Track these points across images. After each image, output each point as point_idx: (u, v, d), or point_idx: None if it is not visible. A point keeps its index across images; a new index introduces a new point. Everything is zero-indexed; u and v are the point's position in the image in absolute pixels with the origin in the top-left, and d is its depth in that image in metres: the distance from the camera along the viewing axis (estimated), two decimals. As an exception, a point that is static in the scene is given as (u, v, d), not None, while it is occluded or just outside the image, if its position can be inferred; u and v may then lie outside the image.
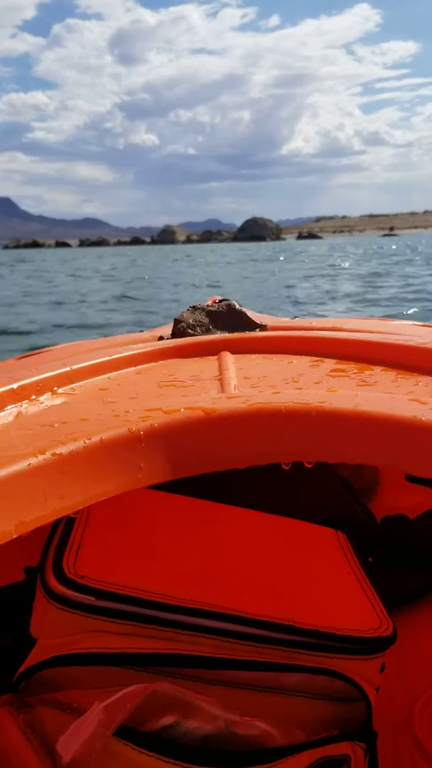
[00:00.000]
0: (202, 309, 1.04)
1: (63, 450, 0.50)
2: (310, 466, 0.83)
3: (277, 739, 0.63)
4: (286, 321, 1.26)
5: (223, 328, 1.02)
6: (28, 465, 0.48)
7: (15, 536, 0.45)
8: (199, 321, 1.01)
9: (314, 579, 0.76)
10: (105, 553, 0.68)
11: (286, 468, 0.79)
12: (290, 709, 0.66)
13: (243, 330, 1.02)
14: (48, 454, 0.50)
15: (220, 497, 0.84)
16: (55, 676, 0.62)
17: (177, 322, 1.02)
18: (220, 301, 1.14)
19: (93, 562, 0.66)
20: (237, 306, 1.07)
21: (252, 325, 1.03)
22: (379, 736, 0.72)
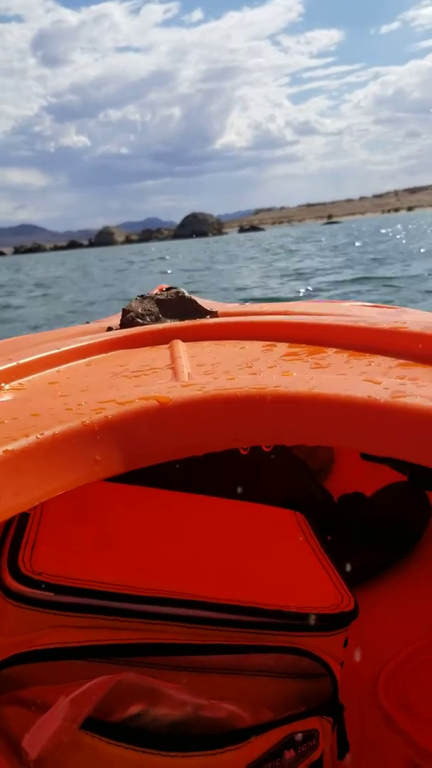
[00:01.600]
0: (151, 298, 1.03)
1: (15, 446, 0.50)
2: (268, 450, 0.84)
3: (246, 720, 0.63)
4: (236, 306, 1.26)
5: (172, 317, 1.02)
6: None
7: None
8: (148, 310, 1.00)
9: (275, 560, 0.76)
10: (62, 547, 0.68)
11: (244, 453, 0.79)
12: (258, 689, 0.66)
13: (193, 317, 1.02)
14: (0, 451, 0.49)
15: (177, 485, 0.84)
16: (18, 674, 0.61)
17: (125, 312, 1.02)
18: (168, 288, 1.13)
19: (50, 558, 0.65)
20: (186, 294, 1.07)
21: (202, 312, 1.03)
22: (346, 709, 0.74)
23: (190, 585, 0.66)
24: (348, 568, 0.79)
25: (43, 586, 0.61)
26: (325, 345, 0.81)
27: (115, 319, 1.08)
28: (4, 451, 0.49)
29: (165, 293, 1.08)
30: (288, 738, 0.65)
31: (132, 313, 1.01)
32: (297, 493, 1.05)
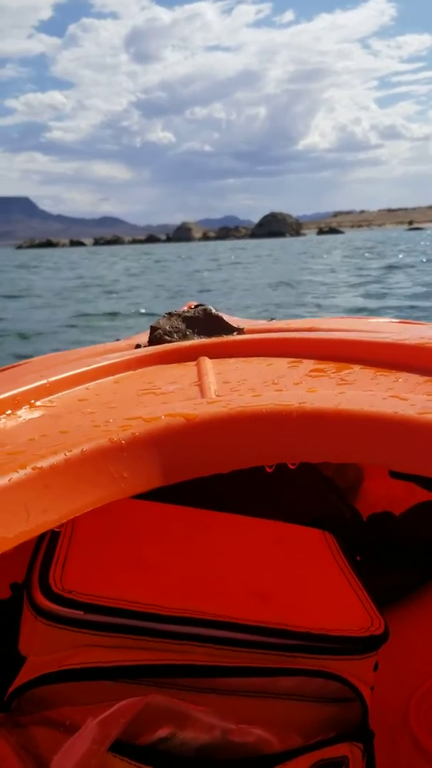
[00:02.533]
0: (179, 315, 1.04)
1: (44, 464, 0.50)
2: (294, 467, 0.83)
3: (275, 745, 0.62)
4: (263, 323, 1.26)
5: (200, 334, 1.02)
6: (9, 480, 0.47)
7: None
8: (176, 327, 1.01)
9: (304, 581, 0.75)
10: (92, 565, 0.68)
11: (269, 470, 0.79)
12: (286, 713, 0.65)
13: (220, 334, 1.02)
14: (29, 469, 0.49)
15: (205, 503, 0.83)
16: (47, 694, 0.61)
17: (153, 329, 1.02)
18: (196, 306, 1.14)
19: (80, 576, 0.65)
20: (213, 310, 1.07)
21: (229, 329, 1.03)
22: (376, 735, 0.72)
23: (218, 605, 0.66)
24: (378, 589, 0.78)
25: (74, 604, 0.61)
26: (351, 361, 0.80)
27: (144, 337, 1.09)
28: (33, 468, 0.49)
29: (193, 310, 1.08)
30: (318, 764, 0.64)
31: (160, 331, 1.01)
32: (325, 512, 1.03)
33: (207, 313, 1.04)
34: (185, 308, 1.15)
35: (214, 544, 0.78)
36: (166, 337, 0.99)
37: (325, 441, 0.58)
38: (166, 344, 0.98)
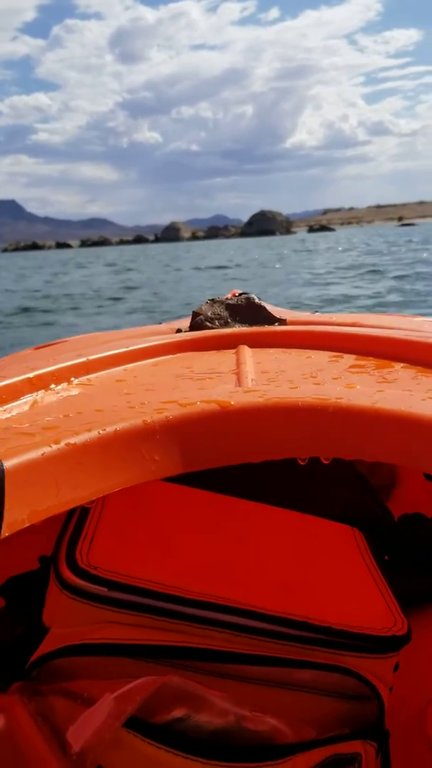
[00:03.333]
0: (221, 302, 1.04)
1: (77, 440, 0.50)
2: (327, 462, 0.83)
3: (288, 736, 0.62)
4: (305, 315, 1.25)
5: (242, 322, 1.02)
6: (42, 454, 0.48)
7: (27, 525, 0.45)
8: (218, 314, 1.01)
9: (329, 576, 0.75)
10: (119, 544, 0.68)
11: (302, 463, 0.78)
12: (301, 705, 0.65)
13: (262, 324, 1.02)
14: (62, 444, 0.49)
15: (236, 491, 0.83)
16: (67, 666, 0.62)
17: (195, 314, 1.02)
18: (240, 294, 1.13)
19: (106, 553, 0.66)
20: (256, 300, 1.06)
21: (271, 319, 1.02)
22: (391, 736, 0.72)
23: (242, 593, 0.66)
24: (404, 590, 0.77)
25: (98, 580, 0.62)
26: (393, 359, 0.79)
27: (185, 322, 1.09)
28: (66, 444, 0.50)
29: (236, 298, 1.08)
30: (330, 759, 0.64)
31: (202, 317, 1.01)
32: (357, 509, 1.02)
33: (250, 302, 1.03)
34: (229, 295, 1.15)
35: (242, 531, 0.78)
36: (207, 324, 0.99)
37: (360, 438, 0.57)
38: (207, 330, 0.98)
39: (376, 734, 0.69)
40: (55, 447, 0.49)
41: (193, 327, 1.01)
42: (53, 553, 0.70)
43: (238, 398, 0.60)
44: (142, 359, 0.83)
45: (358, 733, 0.67)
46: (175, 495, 0.79)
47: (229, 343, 0.90)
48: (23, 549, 0.80)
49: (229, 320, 1.01)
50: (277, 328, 0.98)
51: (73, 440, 0.50)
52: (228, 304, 1.03)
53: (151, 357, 0.84)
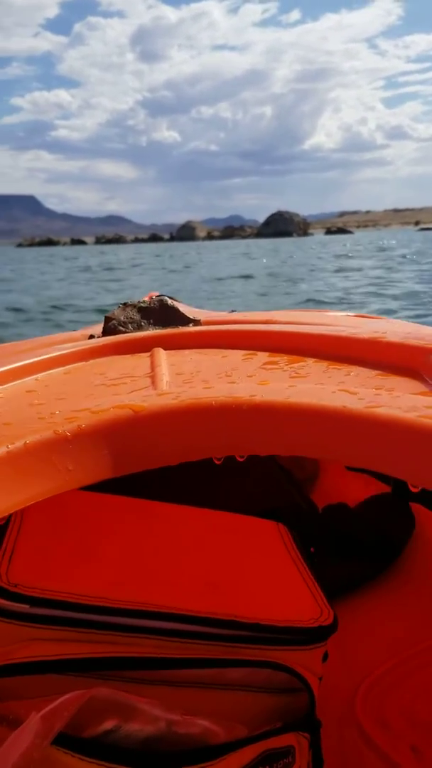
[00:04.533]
0: (134, 305, 1.03)
1: None
2: (242, 460, 0.83)
3: (220, 736, 0.62)
4: (220, 315, 1.26)
5: (155, 324, 1.01)
6: None
7: None
8: (131, 318, 1.00)
9: (254, 572, 0.76)
10: (39, 558, 0.67)
11: (218, 462, 0.79)
12: (234, 704, 0.66)
13: (176, 326, 1.01)
14: None
15: (156, 495, 0.83)
16: None
17: (108, 319, 1.01)
18: (156, 296, 1.13)
19: (26, 569, 0.64)
20: (169, 301, 1.06)
21: (185, 321, 1.02)
22: (323, 725, 0.73)
23: (168, 597, 0.65)
24: (330, 580, 0.78)
25: (19, 597, 0.61)
26: (305, 354, 0.80)
27: (98, 328, 1.08)
28: None
29: (149, 301, 1.07)
30: (263, 755, 0.64)
31: (114, 321, 1.00)
32: (281, 503, 1.04)
33: (163, 304, 1.03)
34: (145, 299, 1.14)
35: (166, 535, 0.77)
36: (121, 328, 0.98)
37: (275, 434, 0.58)
38: (120, 335, 0.97)
39: (308, 725, 0.70)
40: None
41: (106, 332, 1.00)
42: None
43: (152, 402, 0.59)
44: (54, 368, 0.82)
45: (290, 725, 0.67)
46: (95, 503, 0.78)
47: (143, 346, 0.90)
48: None
49: (142, 323, 1.00)
50: (191, 329, 0.98)
51: None
52: (141, 307, 1.02)
53: (64, 365, 0.83)
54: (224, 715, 0.64)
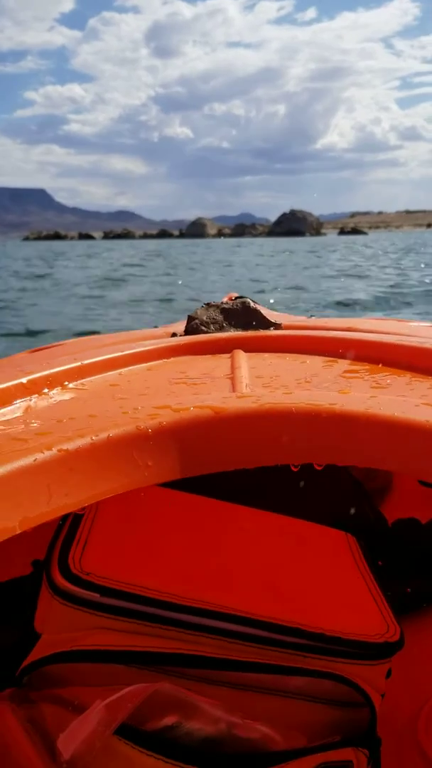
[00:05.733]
0: (217, 306, 1.03)
1: (69, 446, 0.50)
2: (320, 468, 0.82)
3: (279, 743, 0.62)
4: (301, 320, 1.25)
5: (237, 326, 1.01)
6: (34, 460, 0.48)
7: (19, 532, 0.45)
8: (213, 318, 1.00)
9: (322, 581, 0.75)
10: (111, 550, 0.68)
11: (294, 469, 0.78)
12: (293, 712, 0.65)
13: (257, 328, 1.02)
14: (54, 450, 0.49)
15: (229, 496, 0.83)
16: (58, 672, 0.61)
17: (191, 319, 1.02)
18: (236, 298, 1.13)
19: (99, 559, 0.66)
20: (252, 304, 1.06)
21: (266, 324, 1.02)
22: (383, 743, 0.71)
23: (234, 599, 0.66)
24: (397, 596, 0.77)
25: (91, 586, 0.62)
26: (387, 365, 0.79)
27: (181, 326, 1.09)
28: (58, 450, 0.49)
29: (231, 302, 1.08)
30: (321, 767, 0.63)
31: (197, 321, 1.01)
32: (350, 514, 1.02)
33: (245, 306, 1.03)
34: (225, 300, 1.15)
35: (236, 537, 0.78)
36: (203, 328, 0.99)
37: (353, 445, 0.57)
38: (202, 335, 0.98)
39: (368, 741, 0.68)
40: (47, 453, 0.49)
41: (188, 331, 1.01)
42: (45, 558, 0.70)
43: (232, 404, 0.59)
44: (137, 363, 0.83)
45: (349, 740, 0.66)
46: (169, 500, 0.79)
47: (224, 347, 0.90)
48: (15, 554, 0.80)
49: (224, 324, 1.01)
50: (272, 332, 0.98)
51: (65, 446, 0.50)
52: (223, 308, 1.03)
53: (146, 361, 0.84)
54: (284, 723, 0.63)
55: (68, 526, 0.71)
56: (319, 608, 0.69)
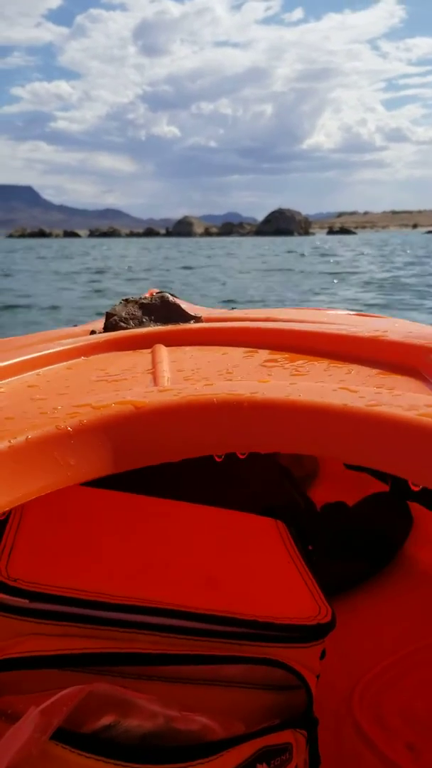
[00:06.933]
0: (135, 302, 1.03)
1: None
2: (243, 457, 0.83)
3: (218, 732, 0.63)
4: (221, 312, 1.26)
5: (157, 321, 1.01)
6: None
7: None
8: (132, 314, 1.00)
9: (253, 569, 0.76)
10: (38, 553, 0.67)
11: (218, 459, 0.79)
12: (231, 700, 0.66)
13: (177, 322, 1.01)
14: None
15: (156, 491, 0.83)
16: None
17: (109, 315, 1.01)
18: (157, 293, 1.13)
19: (26, 564, 0.64)
20: (171, 298, 1.06)
21: (186, 317, 1.02)
22: (320, 723, 0.73)
23: (166, 593, 0.66)
24: (328, 578, 0.78)
25: (18, 592, 0.61)
26: (305, 352, 0.80)
27: (99, 323, 1.08)
28: None
29: (151, 297, 1.07)
30: (261, 751, 0.64)
31: (116, 317, 1.00)
32: (279, 501, 1.04)
33: (164, 301, 1.03)
34: (146, 295, 1.14)
35: (164, 531, 0.78)
36: (122, 324, 0.98)
37: (275, 432, 0.58)
38: (122, 331, 0.97)
39: (306, 722, 0.70)
40: None
41: (108, 328, 1.00)
42: None
43: (153, 398, 0.59)
44: (56, 363, 0.82)
45: (287, 723, 0.68)
46: (95, 499, 0.78)
47: (145, 342, 0.90)
48: None
49: (143, 320, 1.00)
50: (192, 325, 0.98)
51: None
52: (142, 303, 1.02)
53: (65, 360, 0.83)
54: (222, 712, 0.64)
55: None
56: (251, 595, 0.70)
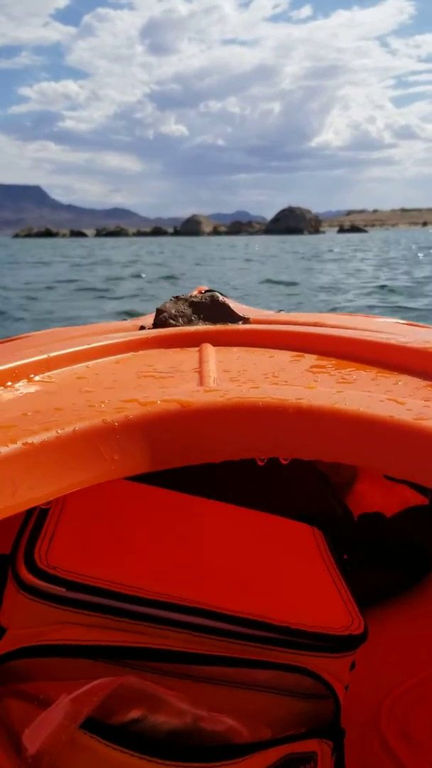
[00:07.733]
0: (185, 299, 1.03)
1: (35, 440, 0.50)
2: (285, 462, 0.83)
3: (244, 735, 0.63)
4: (269, 314, 1.25)
5: (205, 320, 1.01)
6: None
7: None
8: (182, 311, 1.00)
9: (287, 575, 0.75)
10: (78, 544, 0.68)
11: (261, 464, 0.78)
12: (258, 705, 0.66)
13: (225, 322, 1.01)
14: (19, 444, 0.49)
15: (196, 490, 0.83)
16: (24, 667, 0.61)
17: (159, 312, 1.01)
18: (205, 291, 1.13)
19: (65, 553, 0.65)
20: (220, 297, 1.06)
21: (235, 318, 1.02)
22: (346, 734, 0.72)
23: (200, 593, 0.66)
24: (362, 589, 0.78)
25: (57, 580, 0.62)
26: (353, 360, 0.79)
27: (149, 319, 1.08)
28: (23, 444, 0.49)
29: (200, 296, 1.07)
30: (286, 758, 0.64)
31: (165, 314, 1.01)
32: (316, 508, 1.03)
33: (214, 300, 1.03)
34: (194, 293, 1.15)
35: (202, 531, 0.78)
36: (171, 321, 0.99)
37: (319, 439, 0.58)
38: (170, 328, 0.97)
39: (332, 733, 0.69)
40: (11, 446, 0.48)
41: (157, 324, 1.01)
42: (11, 552, 0.69)
43: (199, 398, 0.59)
44: (104, 356, 0.82)
45: (314, 731, 0.67)
46: (136, 494, 0.79)
47: (192, 341, 0.90)
48: None
49: (192, 318, 1.00)
50: (240, 326, 0.98)
51: (30, 440, 0.49)
52: (192, 301, 1.03)
53: (114, 354, 0.84)
54: (249, 716, 0.64)
55: (34, 520, 0.70)
56: (285, 601, 0.70)
